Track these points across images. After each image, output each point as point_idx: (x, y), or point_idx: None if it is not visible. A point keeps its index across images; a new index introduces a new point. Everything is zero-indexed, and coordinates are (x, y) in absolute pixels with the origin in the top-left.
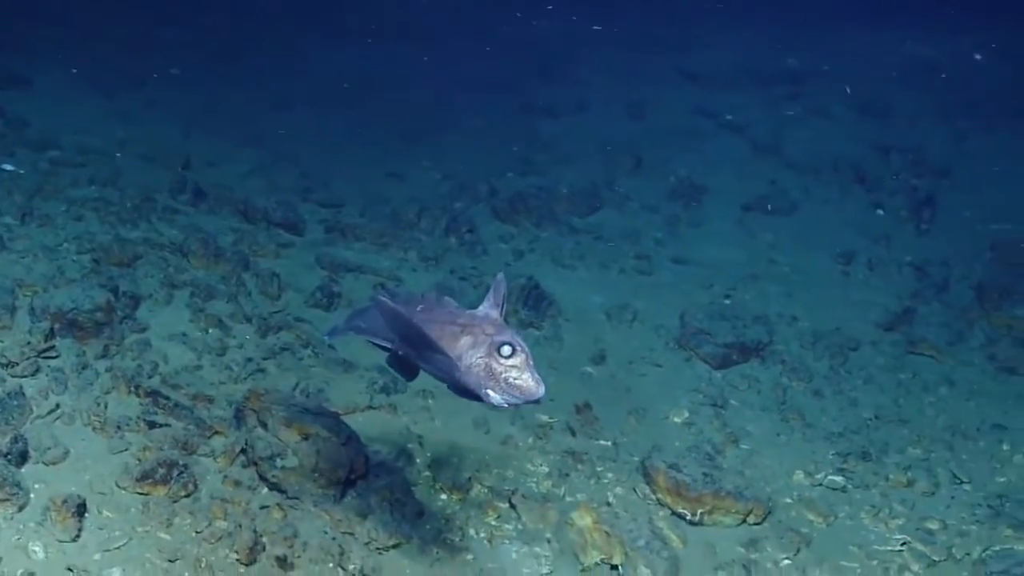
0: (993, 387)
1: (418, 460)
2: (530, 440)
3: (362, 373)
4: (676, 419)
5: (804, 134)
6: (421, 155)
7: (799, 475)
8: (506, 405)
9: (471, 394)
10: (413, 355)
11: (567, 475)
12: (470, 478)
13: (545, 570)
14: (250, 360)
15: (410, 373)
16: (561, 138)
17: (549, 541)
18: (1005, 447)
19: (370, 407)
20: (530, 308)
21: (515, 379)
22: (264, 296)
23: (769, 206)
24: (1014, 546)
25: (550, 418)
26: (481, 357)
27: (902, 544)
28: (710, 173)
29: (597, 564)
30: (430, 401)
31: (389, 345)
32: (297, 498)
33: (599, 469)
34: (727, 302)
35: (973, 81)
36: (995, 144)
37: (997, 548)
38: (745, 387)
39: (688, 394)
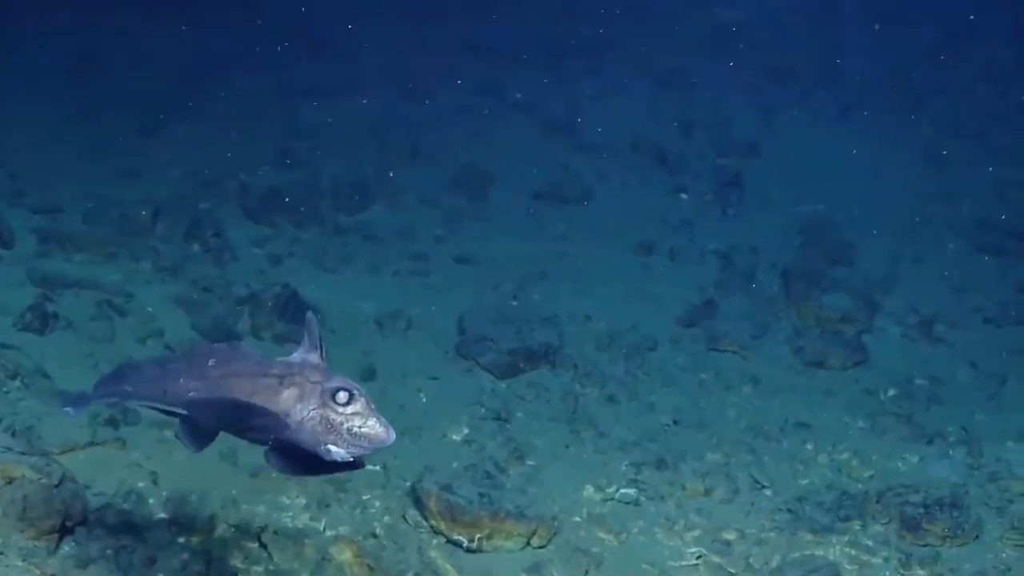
0: (799, 383)
1: (151, 500)
2: None
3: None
4: (455, 436)
5: (600, 112)
6: (161, 148)
7: (589, 490)
8: (351, 459)
9: (303, 453)
10: (216, 420)
11: (328, 506)
12: (213, 516)
13: None
14: None
15: (205, 441)
16: (326, 124)
17: None
18: (808, 447)
19: (93, 443)
20: (288, 320)
21: (360, 427)
22: None
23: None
24: (814, 552)
25: None
26: (314, 409)
27: (697, 558)
28: (497, 159)
29: None
30: (167, 432)
31: (176, 410)
32: (2, 553)
33: (365, 497)
34: (514, 303)
35: (782, 48)
36: (805, 117)
37: (796, 555)
38: (532, 397)
39: (469, 408)
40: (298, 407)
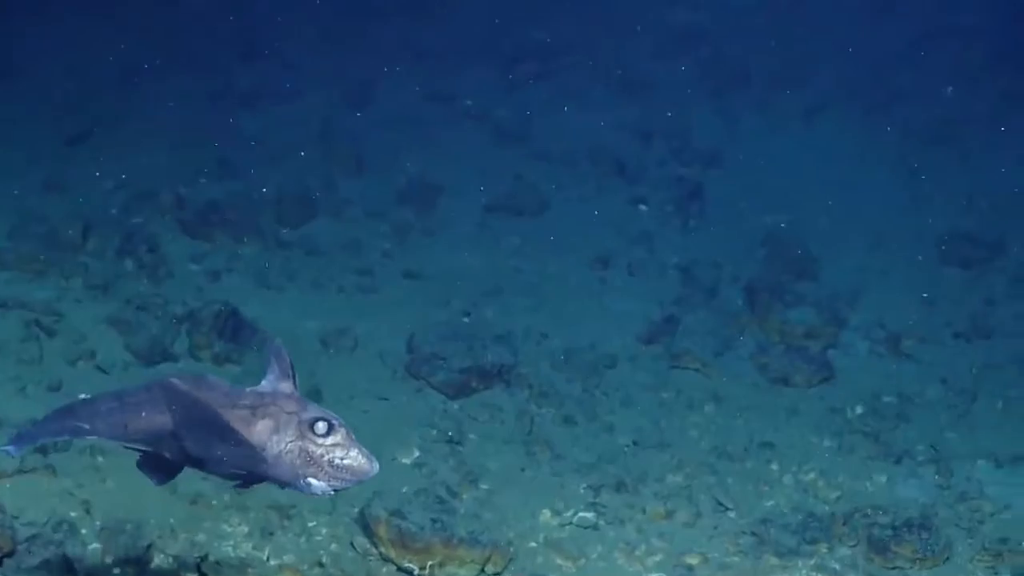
0: (763, 401)
1: (83, 530)
2: (226, 497)
3: (11, 429)
4: (405, 460)
5: (555, 120)
6: (89, 159)
7: (546, 514)
8: (332, 492)
9: (282, 485)
10: (185, 456)
11: (271, 534)
12: (150, 547)
13: None
14: None
15: (171, 474)
16: (266, 132)
17: None
18: (773, 467)
19: (21, 471)
20: (227, 340)
21: (341, 459)
22: None
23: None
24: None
25: None
26: (292, 441)
27: None
28: (447, 169)
29: None
30: (100, 459)
31: (139, 447)
32: None
33: (311, 524)
34: (466, 320)
35: (743, 51)
36: (768, 124)
37: None
38: (486, 418)
39: (419, 430)
40: (274, 439)
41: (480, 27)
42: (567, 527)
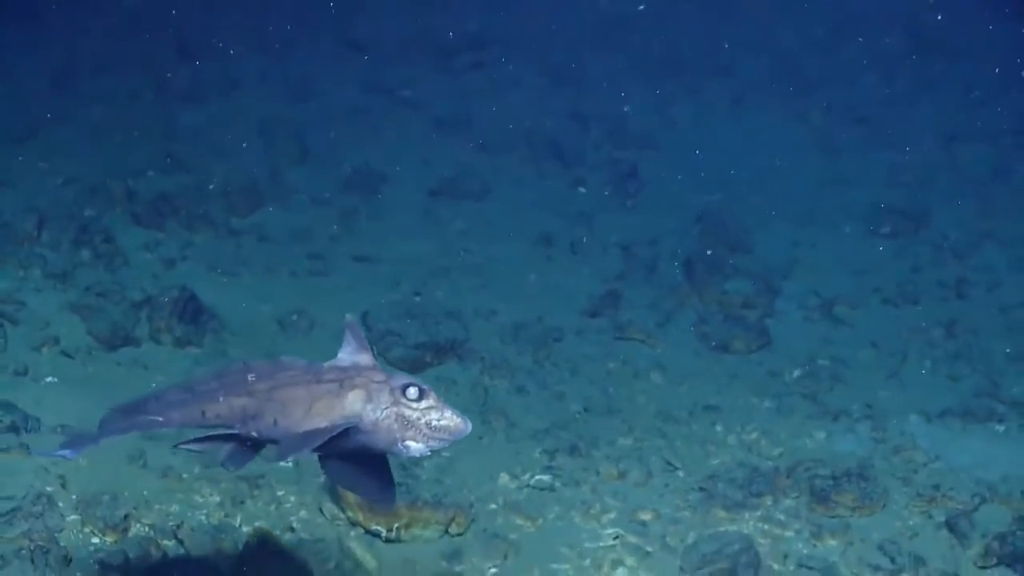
0: (706, 367)
1: (61, 503)
2: (196, 470)
3: None
4: None
5: (492, 107)
6: (34, 156)
7: (504, 478)
8: (429, 452)
9: (370, 456)
10: (267, 434)
11: (242, 503)
12: (127, 516)
13: None
14: None
15: (249, 458)
16: (209, 126)
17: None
18: (718, 428)
19: None
20: (187, 323)
21: (438, 421)
22: None
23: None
24: (727, 527)
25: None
26: (387, 408)
27: (614, 538)
28: (389, 158)
29: None
30: None
31: (221, 432)
32: None
33: (280, 493)
34: (417, 299)
35: (672, 37)
36: (698, 108)
37: (710, 531)
38: (442, 390)
39: None
40: (368, 408)
41: (409, 20)
42: (525, 490)
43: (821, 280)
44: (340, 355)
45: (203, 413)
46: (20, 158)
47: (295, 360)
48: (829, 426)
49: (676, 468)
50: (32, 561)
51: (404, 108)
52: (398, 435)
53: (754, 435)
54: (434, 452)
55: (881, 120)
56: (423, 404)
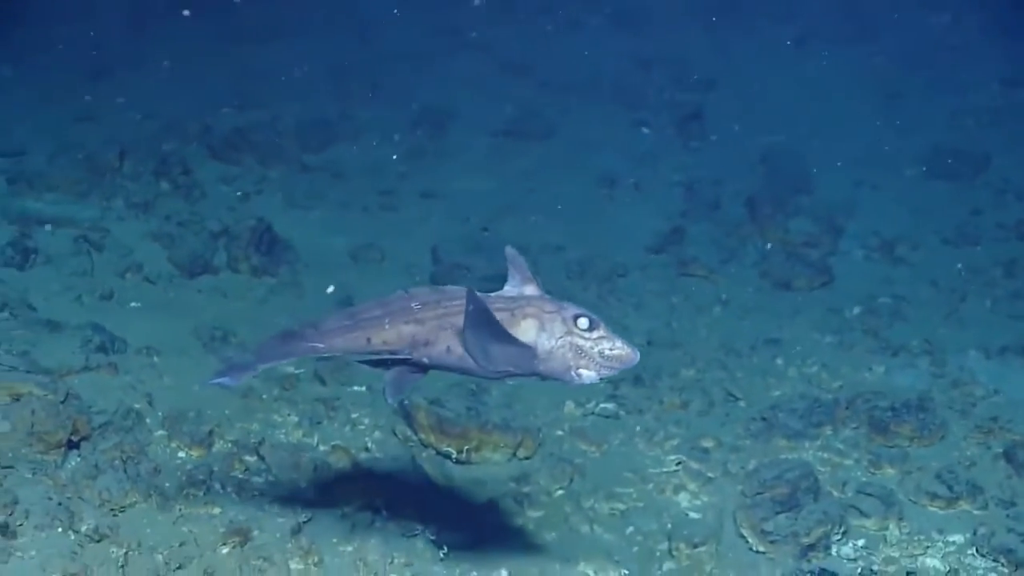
0: (767, 303)
1: (148, 419)
2: (275, 391)
3: (73, 332)
4: None
5: (557, 50)
6: (115, 93)
7: (570, 406)
8: (599, 381)
9: (548, 379)
10: (438, 359)
11: (319, 423)
12: (211, 432)
13: (303, 518)
14: None
15: (408, 389)
16: (282, 66)
17: (304, 488)
18: (779, 361)
19: (87, 368)
20: (263, 254)
21: (610, 350)
22: None
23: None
24: (787, 455)
25: (296, 368)
26: (562, 337)
27: (677, 464)
28: (456, 97)
29: (358, 510)
30: (155, 359)
31: (387, 356)
32: (12, 467)
33: (354, 416)
34: (486, 234)
35: None
36: (757, 51)
37: (771, 459)
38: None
39: None
40: (543, 337)
41: None
42: (590, 417)
43: (882, 221)
44: (506, 286)
45: (368, 340)
46: (103, 95)
47: (458, 288)
48: (889, 361)
49: (738, 399)
50: (125, 471)
51: (471, 49)
52: (572, 364)
53: (815, 368)
54: (603, 380)
55: (942, 64)
56: (595, 334)
